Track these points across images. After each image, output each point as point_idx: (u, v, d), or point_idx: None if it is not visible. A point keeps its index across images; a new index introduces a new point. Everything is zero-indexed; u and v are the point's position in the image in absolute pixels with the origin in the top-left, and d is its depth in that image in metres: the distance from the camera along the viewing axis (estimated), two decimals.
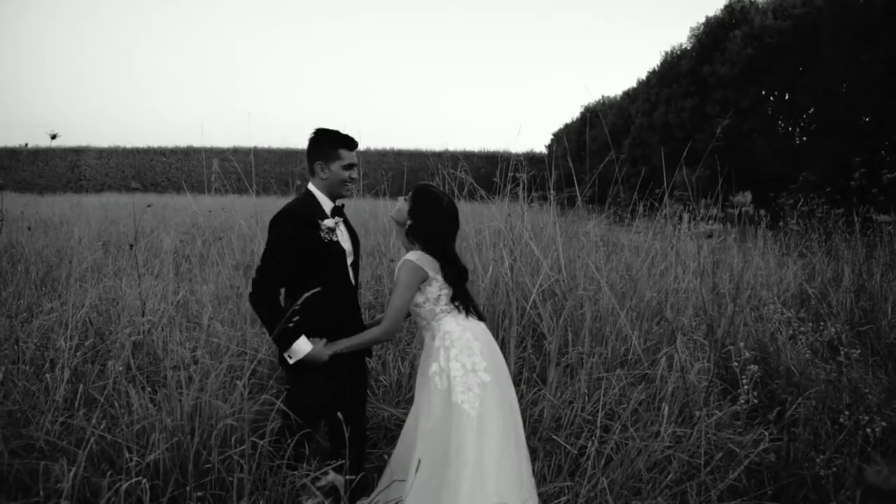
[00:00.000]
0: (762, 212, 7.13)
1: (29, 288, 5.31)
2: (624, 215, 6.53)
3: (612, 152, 5.85)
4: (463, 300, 3.00)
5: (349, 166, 2.95)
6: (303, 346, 2.84)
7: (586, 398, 3.53)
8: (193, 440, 2.66)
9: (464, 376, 2.78)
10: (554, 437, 3.43)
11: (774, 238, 7.03)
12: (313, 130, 2.98)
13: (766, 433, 3.13)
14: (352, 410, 3.12)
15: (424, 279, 2.89)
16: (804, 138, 23.91)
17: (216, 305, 4.50)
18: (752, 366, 3.21)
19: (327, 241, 2.89)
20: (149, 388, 2.91)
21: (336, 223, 2.94)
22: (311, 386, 2.88)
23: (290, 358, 2.84)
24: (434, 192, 2.99)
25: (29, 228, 8.37)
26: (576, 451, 3.36)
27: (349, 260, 3.01)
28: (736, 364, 3.24)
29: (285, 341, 2.82)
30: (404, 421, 3.27)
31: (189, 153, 39.67)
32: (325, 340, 2.90)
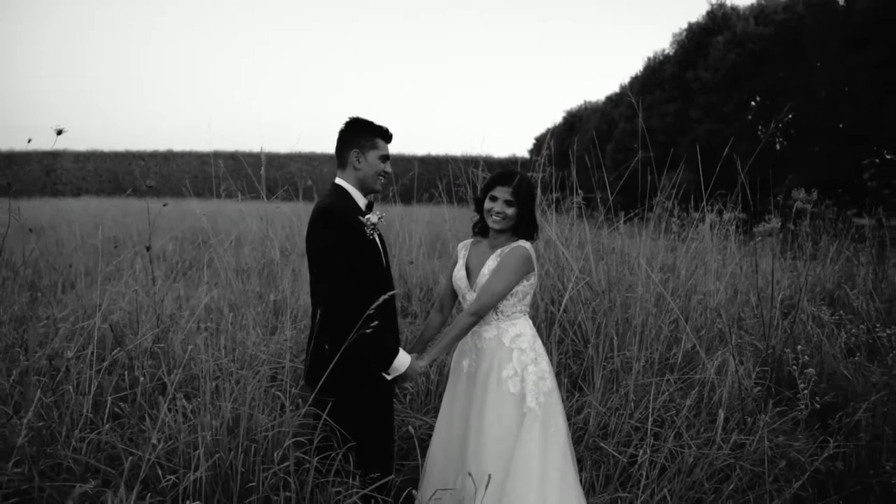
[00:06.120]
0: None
1: (18, 294, 4.97)
2: (614, 220, 6.22)
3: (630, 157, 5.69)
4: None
5: (385, 157, 2.79)
6: (404, 360, 2.67)
7: (633, 404, 3.39)
8: (238, 456, 2.45)
9: (537, 382, 2.70)
10: (602, 444, 3.29)
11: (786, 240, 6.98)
12: (347, 120, 2.79)
13: (830, 440, 3.02)
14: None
15: (529, 273, 2.78)
16: (785, 143, 24.25)
17: (236, 309, 4.27)
18: (810, 369, 3.10)
19: (371, 241, 2.68)
20: (183, 400, 2.68)
21: (381, 217, 2.74)
22: (366, 399, 2.66)
23: (389, 375, 2.64)
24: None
25: (31, 230, 7.90)
26: (626, 460, 3.22)
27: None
28: (794, 368, 3.13)
29: (389, 356, 2.62)
30: (433, 429, 3.11)
31: (168, 157, 38.80)
32: (415, 354, 2.75)
